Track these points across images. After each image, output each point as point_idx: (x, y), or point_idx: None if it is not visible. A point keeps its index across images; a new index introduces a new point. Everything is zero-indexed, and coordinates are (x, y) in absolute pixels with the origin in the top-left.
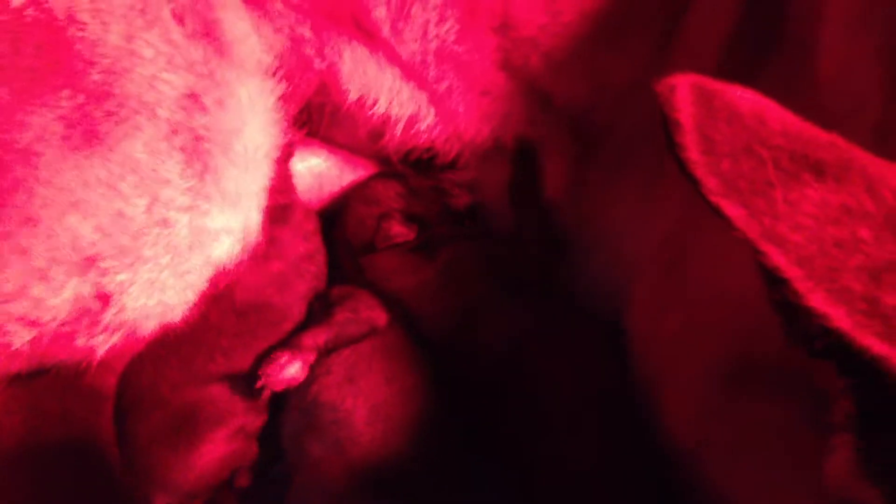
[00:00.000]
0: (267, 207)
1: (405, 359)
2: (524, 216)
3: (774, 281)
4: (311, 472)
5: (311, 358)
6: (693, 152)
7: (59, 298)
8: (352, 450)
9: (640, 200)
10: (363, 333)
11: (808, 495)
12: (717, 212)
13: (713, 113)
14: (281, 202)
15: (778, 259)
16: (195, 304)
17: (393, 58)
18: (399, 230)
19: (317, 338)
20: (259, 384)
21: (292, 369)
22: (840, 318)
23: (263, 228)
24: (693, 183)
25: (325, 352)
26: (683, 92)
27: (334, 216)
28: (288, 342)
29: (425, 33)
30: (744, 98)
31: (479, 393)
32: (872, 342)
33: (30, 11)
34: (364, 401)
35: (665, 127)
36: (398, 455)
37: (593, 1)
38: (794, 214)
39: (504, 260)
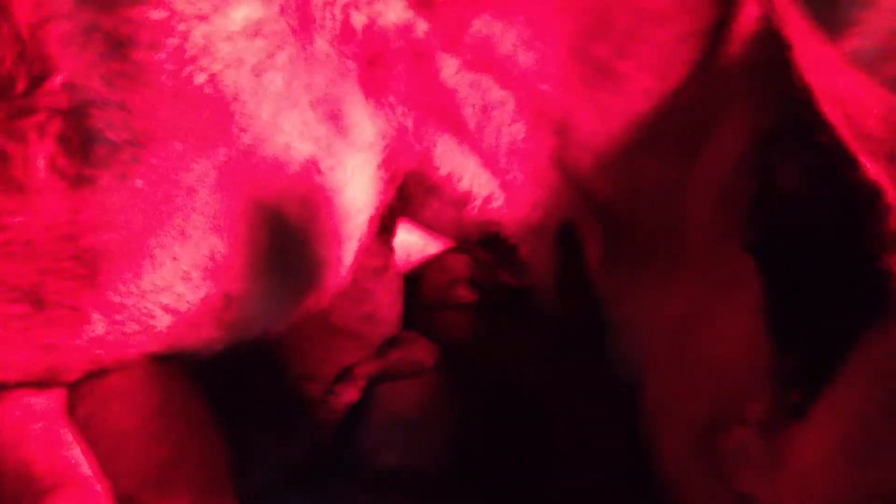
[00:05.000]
0: (369, 264)
1: (453, 394)
2: (569, 292)
3: None
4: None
5: (363, 384)
6: None
7: (195, 295)
8: (411, 451)
9: (658, 287)
10: (411, 371)
11: None
12: None
13: None
14: (379, 263)
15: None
16: (293, 321)
17: (475, 148)
18: (465, 293)
19: (368, 369)
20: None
21: (348, 396)
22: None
23: (362, 280)
24: None
25: (378, 379)
26: None
27: (416, 279)
28: (346, 373)
29: (500, 132)
30: None
31: (510, 427)
32: None
33: (207, 89)
34: (426, 418)
35: None
36: (439, 465)
37: (637, 114)
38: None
39: (546, 325)
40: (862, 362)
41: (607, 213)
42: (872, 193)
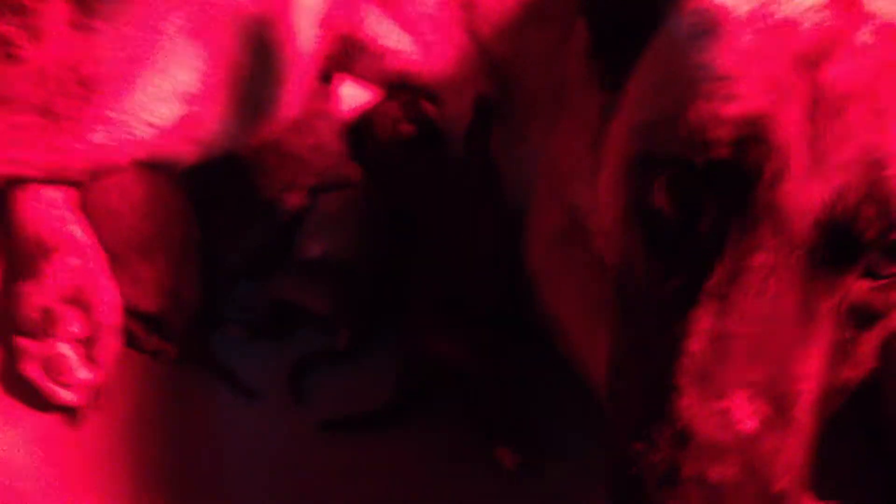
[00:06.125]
0: (315, 106)
1: (370, 205)
2: (475, 140)
3: None
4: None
5: (304, 192)
6: None
7: (170, 114)
8: (332, 246)
9: (542, 138)
10: (341, 183)
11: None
12: None
13: None
14: (322, 106)
15: None
16: (250, 142)
17: (397, 16)
18: (406, 128)
19: (308, 180)
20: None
21: (292, 201)
22: None
23: (309, 118)
24: None
25: (318, 190)
26: None
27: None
28: (291, 184)
29: (416, 2)
30: None
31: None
32: None
33: None
34: (346, 221)
35: None
36: (355, 257)
37: None
38: None
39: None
40: (651, 50)
41: (503, 73)
42: None
